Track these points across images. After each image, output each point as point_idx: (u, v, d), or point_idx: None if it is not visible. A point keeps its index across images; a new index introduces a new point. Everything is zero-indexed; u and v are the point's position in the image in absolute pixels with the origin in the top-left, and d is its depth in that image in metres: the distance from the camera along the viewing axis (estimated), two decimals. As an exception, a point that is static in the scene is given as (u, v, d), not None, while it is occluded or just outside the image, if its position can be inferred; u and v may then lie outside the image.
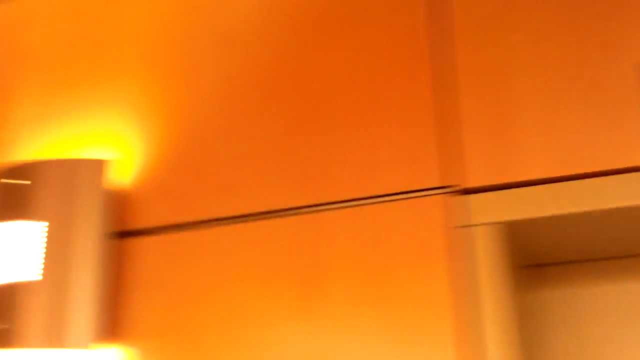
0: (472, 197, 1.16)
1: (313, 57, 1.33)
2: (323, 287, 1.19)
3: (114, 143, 1.44)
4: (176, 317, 1.27)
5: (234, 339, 1.22)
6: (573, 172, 1.12)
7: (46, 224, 1.32)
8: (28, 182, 1.35)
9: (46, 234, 1.31)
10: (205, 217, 1.31)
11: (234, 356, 1.20)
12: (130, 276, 1.33)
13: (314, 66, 1.33)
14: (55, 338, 1.26)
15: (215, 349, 1.22)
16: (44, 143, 1.50)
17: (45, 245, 1.30)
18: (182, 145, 1.38)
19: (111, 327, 1.30)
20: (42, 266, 1.29)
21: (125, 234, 1.36)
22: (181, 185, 1.35)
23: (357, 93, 1.28)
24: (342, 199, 1.23)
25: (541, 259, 1.41)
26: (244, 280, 1.24)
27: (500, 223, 1.14)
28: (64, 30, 1.58)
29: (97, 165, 1.36)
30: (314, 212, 1.24)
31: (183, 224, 1.33)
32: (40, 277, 1.29)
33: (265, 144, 1.31)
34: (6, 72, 1.61)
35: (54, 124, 1.50)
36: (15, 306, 1.28)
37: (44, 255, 1.30)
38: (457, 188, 1.17)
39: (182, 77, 1.43)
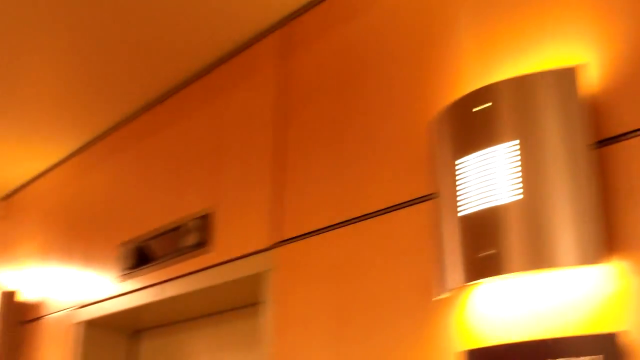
0: None
1: None
2: None
3: (577, 49, 1.35)
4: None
5: None
6: None
7: (517, 142, 1.27)
8: (489, 104, 1.33)
9: (519, 153, 1.27)
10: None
11: None
12: (617, 185, 1.22)
13: None
14: (542, 258, 1.19)
15: None
16: (499, 67, 1.47)
17: (520, 164, 1.26)
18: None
19: (602, 242, 1.19)
20: (521, 186, 1.25)
21: (604, 142, 1.25)
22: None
23: None
24: None
25: None
26: None
27: None
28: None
29: (566, 75, 1.27)
30: None
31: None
32: (520, 197, 1.24)
33: None
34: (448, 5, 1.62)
35: (504, 46, 1.47)
36: (499, 230, 1.25)
37: (520, 175, 1.25)
38: None
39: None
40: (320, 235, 1.75)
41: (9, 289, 3.16)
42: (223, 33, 2.18)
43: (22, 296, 3.11)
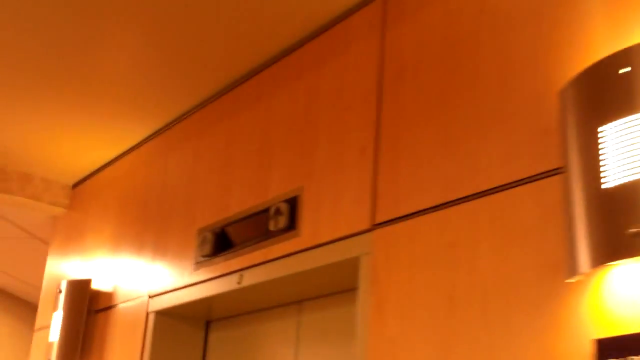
0: None
1: None
2: None
3: None
4: None
5: None
6: None
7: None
8: (629, 69, 1.20)
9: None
10: None
11: None
12: None
13: None
14: None
15: None
16: (634, 28, 1.34)
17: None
18: None
19: None
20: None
21: None
22: None
23: None
24: None
25: None
26: None
27: None
28: None
29: None
30: None
31: None
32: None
33: None
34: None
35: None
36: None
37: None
38: None
39: None
40: (424, 216, 1.64)
41: (82, 277, 3.13)
42: (317, 3, 2.08)
43: (95, 285, 3.07)
